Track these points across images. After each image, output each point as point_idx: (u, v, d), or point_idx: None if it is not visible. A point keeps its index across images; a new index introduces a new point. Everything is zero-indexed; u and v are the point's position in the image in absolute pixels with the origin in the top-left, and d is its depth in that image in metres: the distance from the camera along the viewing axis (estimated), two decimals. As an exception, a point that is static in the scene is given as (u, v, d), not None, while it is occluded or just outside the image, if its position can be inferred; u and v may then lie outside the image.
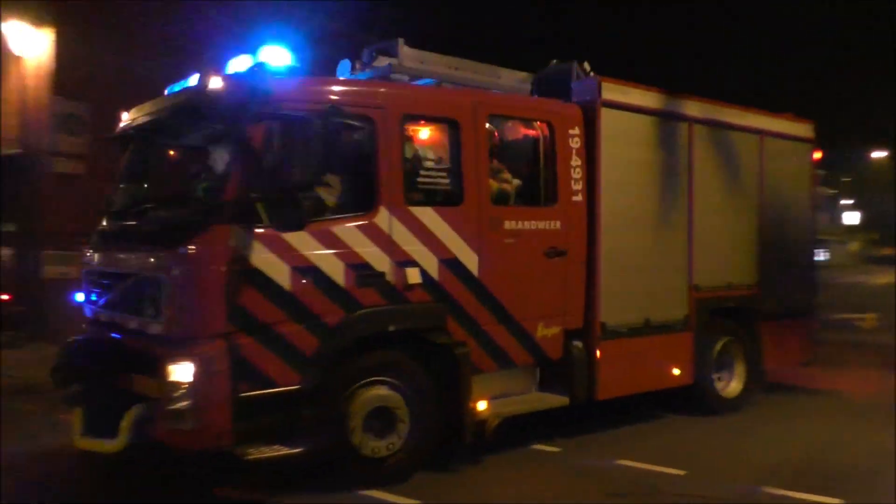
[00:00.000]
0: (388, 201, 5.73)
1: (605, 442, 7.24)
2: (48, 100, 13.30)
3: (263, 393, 5.16)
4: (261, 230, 5.18)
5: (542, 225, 6.72)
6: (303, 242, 5.33)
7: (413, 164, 5.95)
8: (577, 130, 6.97)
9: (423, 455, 5.93)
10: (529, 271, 6.62)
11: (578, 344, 6.96)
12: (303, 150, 5.20)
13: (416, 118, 6.10)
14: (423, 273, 5.89)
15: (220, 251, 5.04)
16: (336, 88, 5.76)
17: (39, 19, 13.17)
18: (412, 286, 5.82)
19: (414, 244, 5.85)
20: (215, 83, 5.25)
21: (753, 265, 8.73)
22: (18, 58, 13.12)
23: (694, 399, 8.20)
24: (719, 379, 8.43)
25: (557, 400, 6.87)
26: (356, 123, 5.67)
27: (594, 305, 7.06)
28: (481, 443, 6.34)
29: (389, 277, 5.72)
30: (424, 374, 5.95)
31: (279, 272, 5.23)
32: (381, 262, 5.68)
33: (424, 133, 6.17)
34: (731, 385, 8.55)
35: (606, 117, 7.16)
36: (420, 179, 5.98)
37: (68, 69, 13.30)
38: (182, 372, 4.95)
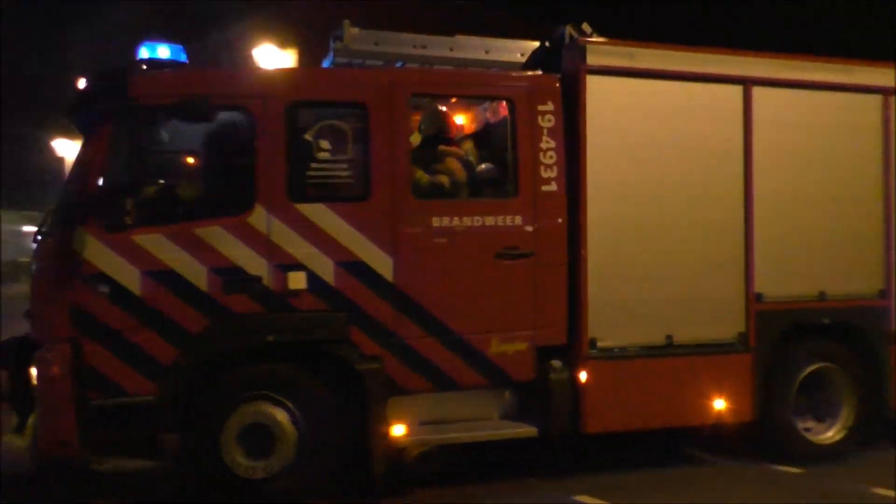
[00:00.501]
0: (266, 199, 5.19)
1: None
2: None
3: (116, 402, 4.99)
4: (111, 233, 5.00)
5: (491, 221, 5.65)
6: (158, 245, 5.04)
7: (304, 157, 5.33)
8: (550, 106, 5.74)
9: (319, 481, 5.31)
10: (473, 276, 5.61)
11: (557, 364, 5.74)
12: (153, 147, 4.95)
13: (310, 105, 5.43)
14: (313, 278, 5.26)
15: (60, 255, 4.98)
16: (205, 80, 5.34)
17: (284, 41, 14.71)
18: (296, 292, 5.23)
19: (300, 245, 5.23)
20: (80, 84, 5.21)
21: (876, 268, 6.54)
22: None
23: (766, 442, 6.38)
24: (815, 419, 6.48)
25: (520, 431, 5.73)
26: (229, 116, 5.23)
27: (579, 318, 5.78)
28: (400, 473, 5.53)
29: (268, 283, 5.19)
30: (326, 392, 5.32)
31: (129, 277, 4.99)
32: (256, 265, 5.17)
33: (323, 121, 5.49)
34: (832, 427, 6.49)
35: (598, 87, 5.83)
36: (312, 173, 5.31)
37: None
38: (35, 376, 4.98)
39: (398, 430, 5.42)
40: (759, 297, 6.21)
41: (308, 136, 5.34)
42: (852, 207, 6.50)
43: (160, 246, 5.04)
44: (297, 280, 5.22)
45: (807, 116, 6.41)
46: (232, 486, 5.15)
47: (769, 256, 6.23)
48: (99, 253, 4.97)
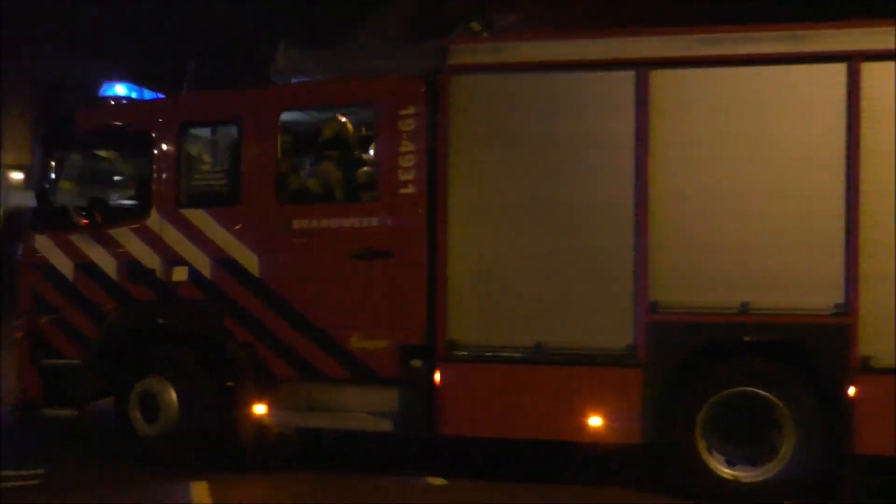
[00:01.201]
0: (159, 206, 6.26)
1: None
2: None
3: (55, 363, 6.46)
4: (55, 234, 6.48)
5: (348, 223, 5.96)
6: (85, 244, 6.39)
7: (189, 169, 6.26)
8: (411, 110, 5.86)
9: (196, 445, 6.16)
10: (331, 274, 5.98)
11: (416, 364, 5.83)
12: (86, 166, 6.36)
13: (196, 125, 6.34)
14: (193, 272, 6.16)
15: (25, 250, 6.58)
16: (123, 111, 6.59)
17: None
18: (178, 284, 6.18)
19: (184, 244, 6.18)
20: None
21: (833, 278, 5.28)
22: None
23: (676, 470, 5.61)
24: (740, 452, 5.48)
25: (376, 426, 5.93)
26: (136, 140, 6.41)
27: (437, 318, 5.78)
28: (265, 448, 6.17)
29: (160, 275, 6.23)
30: (204, 372, 6.16)
31: (65, 267, 6.43)
32: (151, 261, 6.25)
33: (207, 138, 6.35)
34: (761, 465, 5.42)
35: (464, 86, 5.75)
36: (194, 183, 6.26)
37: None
38: None
39: (259, 409, 6.05)
40: (653, 305, 5.49)
41: (193, 152, 6.30)
42: (797, 203, 5.35)
43: (87, 243, 6.40)
44: (181, 273, 6.19)
45: (731, 98, 5.47)
46: (133, 438, 6.31)
47: (670, 260, 5.46)
48: (47, 248, 6.50)
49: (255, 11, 25.14)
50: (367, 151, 6.22)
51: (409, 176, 5.86)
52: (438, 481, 5.97)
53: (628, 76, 5.56)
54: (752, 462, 5.49)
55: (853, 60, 5.30)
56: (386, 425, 5.91)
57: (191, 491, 5.76)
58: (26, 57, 26.03)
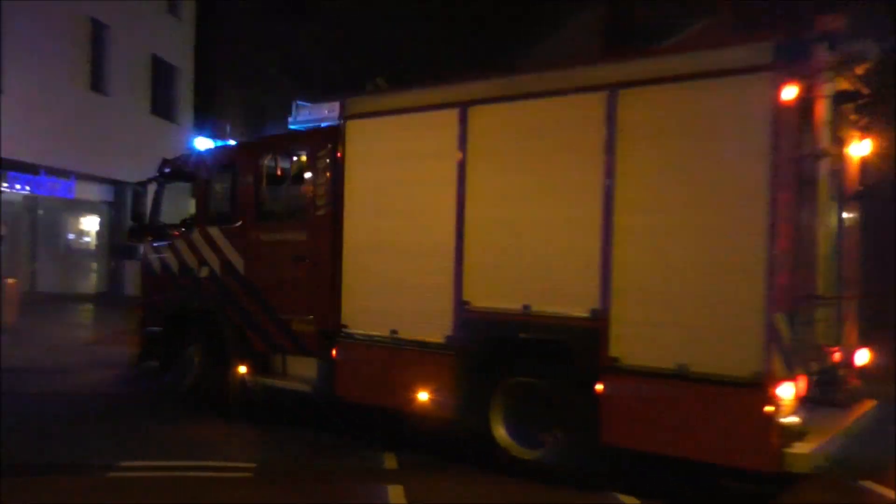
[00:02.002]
0: (197, 224, 9.08)
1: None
2: None
3: (151, 331, 9.60)
4: (153, 241, 9.67)
5: (290, 237, 8.16)
6: (163, 250, 9.46)
7: (209, 199, 9.07)
8: (325, 151, 7.86)
9: (213, 394, 8.71)
10: (280, 275, 8.24)
11: (325, 342, 7.84)
12: (163, 197, 9.60)
13: (222, 169, 9.08)
14: (211, 270, 8.85)
15: (142, 253, 9.92)
16: (185, 161, 9.68)
17: None
18: (203, 279, 8.92)
19: (207, 251, 8.89)
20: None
21: (589, 288, 6.14)
22: None
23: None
24: (523, 432, 6.63)
25: (302, 387, 8.07)
26: (188, 179, 9.57)
27: (337, 309, 7.74)
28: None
29: (195, 273, 9.02)
30: (216, 343, 8.72)
31: (154, 265, 9.62)
32: (192, 262, 9.07)
33: (222, 177, 8.97)
34: (539, 448, 6.52)
35: (358, 131, 7.64)
36: (212, 209, 9.02)
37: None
38: None
39: (242, 369, 8.48)
40: (465, 304, 6.83)
41: (214, 187, 9.01)
42: (565, 226, 6.33)
43: (164, 250, 9.47)
44: (204, 272, 8.92)
45: (525, 132, 6.59)
46: (179, 391, 9.18)
47: (478, 270, 6.80)
48: (147, 252, 9.73)
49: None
50: (302, 184, 8.32)
51: (322, 201, 7.90)
52: (631, 500, 6.22)
53: (454, 113, 6.93)
54: (533, 443, 6.59)
55: (612, 90, 6.08)
56: (307, 388, 8.03)
57: (388, 493, 6.31)
58: (242, 83, 31.20)
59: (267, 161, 8.80)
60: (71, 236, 23.35)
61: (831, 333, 6.41)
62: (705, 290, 5.66)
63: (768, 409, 5.40)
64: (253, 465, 7.01)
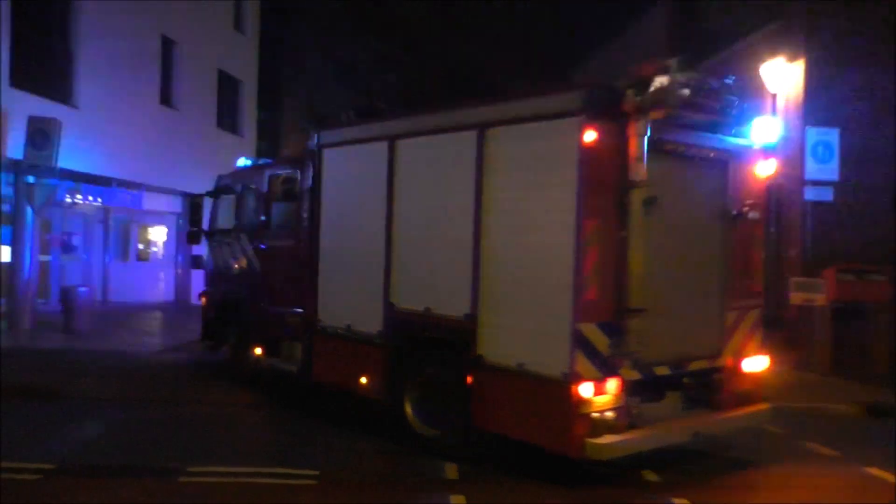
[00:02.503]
0: (235, 230, 11.38)
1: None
2: (800, 130, 14.20)
3: (210, 317, 12.09)
4: (208, 244, 12.11)
5: (286, 243, 10.16)
6: (215, 249, 11.83)
7: (242, 211, 11.32)
8: (309, 173, 9.50)
9: (238, 362, 11.17)
10: (282, 274, 10.22)
11: (307, 332, 9.47)
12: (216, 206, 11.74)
13: (245, 185, 11.22)
14: (241, 269, 10.98)
15: (206, 253, 12.05)
16: (228, 177, 11.91)
17: (792, 55, 15.00)
18: (236, 275, 11.09)
19: (241, 252, 11.09)
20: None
21: (465, 293, 7.41)
22: (773, 94, 14.58)
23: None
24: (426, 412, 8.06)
25: (290, 367, 9.95)
26: (231, 193, 11.58)
27: (314, 305, 9.39)
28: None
29: (233, 270, 11.41)
30: (238, 330, 11.18)
31: (210, 262, 12.13)
32: (235, 260, 11.10)
33: (246, 191, 11.27)
34: (440, 428, 7.85)
35: (328, 158, 9.27)
36: (242, 217, 11.30)
37: (819, 98, 14.68)
38: None
39: (257, 351, 10.58)
40: (391, 305, 8.31)
41: (243, 200, 11.19)
42: (452, 246, 7.58)
43: (216, 249, 11.52)
44: (237, 269, 11.00)
45: (430, 157, 7.96)
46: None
47: (399, 276, 8.24)
48: (208, 251, 12.14)
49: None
50: (295, 200, 9.99)
51: (306, 214, 9.57)
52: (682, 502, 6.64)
53: (384, 145, 8.42)
54: (433, 423, 7.86)
55: (480, 130, 7.26)
56: (294, 369, 9.80)
57: (450, 502, 6.52)
58: (304, 95, 31.86)
59: (270, 179, 10.54)
60: (140, 246, 24.10)
61: (703, 342, 7.44)
62: (535, 301, 6.77)
63: (572, 404, 6.42)
64: (317, 472, 7.16)
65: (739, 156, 7.65)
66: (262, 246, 10.58)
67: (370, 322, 8.46)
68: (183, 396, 10.50)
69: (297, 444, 8.34)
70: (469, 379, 7.33)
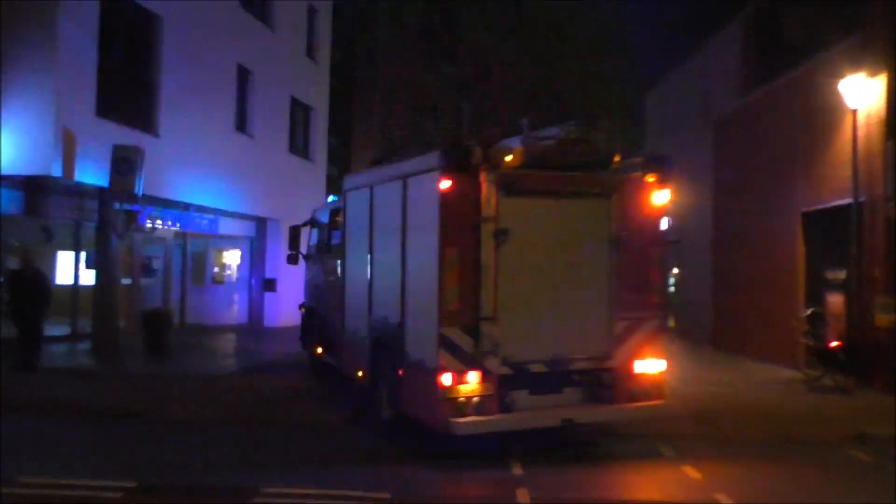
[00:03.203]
0: (316, 253, 14.30)
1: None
2: (882, 147, 13.87)
3: (305, 324, 15.20)
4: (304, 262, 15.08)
5: (332, 265, 12.61)
6: (308, 266, 13.80)
7: (319, 236, 14.20)
8: (341, 210, 11.98)
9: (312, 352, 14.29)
10: (330, 288, 12.79)
11: (338, 335, 12.46)
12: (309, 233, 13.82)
13: (317, 218, 14.39)
14: (317, 284, 14.17)
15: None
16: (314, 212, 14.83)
17: (873, 70, 14.42)
18: (315, 289, 14.21)
19: (316, 271, 14.02)
20: None
21: (397, 304, 9.79)
22: (853, 110, 14.17)
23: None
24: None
25: (334, 363, 12.99)
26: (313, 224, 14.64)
27: (343, 315, 11.97)
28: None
29: (314, 285, 14.46)
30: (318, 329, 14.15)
31: (306, 278, 14.49)
32: (312, 277, 13.87)
33: (319, 223, 14.31)
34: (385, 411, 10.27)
35: (350, 198, 11.55)
36: (319, 243, 14.17)
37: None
38: None
39: (318, 350, 13.70)
40: (371, 313, 10.43)
41: (319, 229, 13.39)
42: (390, 266, 9.70)
43: (309, 266, 13.72)
44: (315, 284, 14.19)
45: (384, 208, 10.29)
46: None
47: (374, 295, 10.36)
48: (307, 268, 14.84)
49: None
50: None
51: (341, 243, 11.95)
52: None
53: (367, 191, 10.72)
54: (393, 406, 9.67)
55: (405, 179, 9.43)
56: (335, 364, 12.65)
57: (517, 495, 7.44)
58: (375, 121, 32.14)
59: (331, 214, 13.16)
60: (215, 269, 24.75)
61: (588, 347, 8.99)
62: (424, 311, 8.77)
63: (437, 390, 8.32)
64: (387, 495, 7.16)
65: (624, 189, 9.09)
66: (321, 267, 13.56)
67: (363, 329, 10.60)
68: (259, 417, 10.66)
69: (368, 465, 8.45)
70: (400, 372, 9.31)
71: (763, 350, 17.76)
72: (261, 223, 24.15)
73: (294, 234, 14.58)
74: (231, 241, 24.21)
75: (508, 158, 8.59)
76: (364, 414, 10.60)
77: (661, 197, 9.24)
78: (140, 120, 17.14)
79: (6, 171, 14.46)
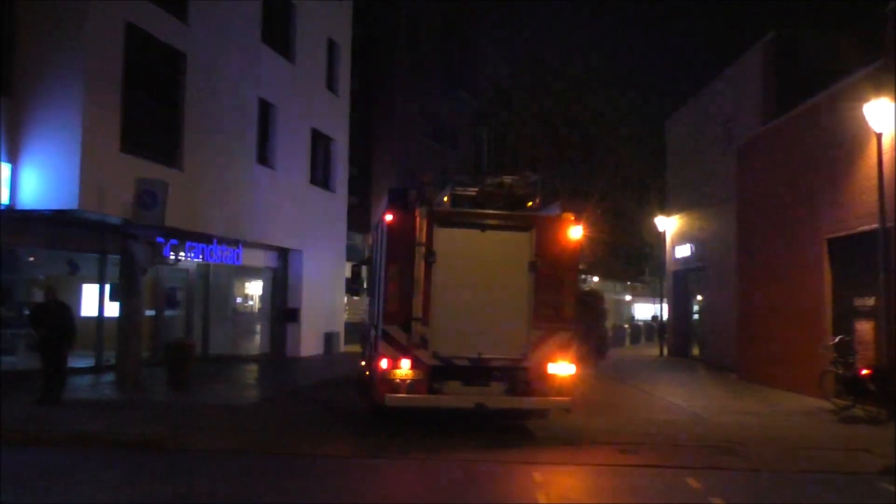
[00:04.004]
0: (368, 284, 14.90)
1: None
2: None
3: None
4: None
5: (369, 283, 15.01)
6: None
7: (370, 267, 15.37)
8: (370, 240, 14.88)
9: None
10: (371, 304, 13.87)
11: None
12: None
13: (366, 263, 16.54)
14: (368, 305, 15.16)
15: None
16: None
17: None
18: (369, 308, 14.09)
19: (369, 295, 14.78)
20: None
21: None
22: (878, 134, 13.92)
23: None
24: None
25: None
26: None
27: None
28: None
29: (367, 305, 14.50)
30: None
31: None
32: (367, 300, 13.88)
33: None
34: None
35: (371, 233, 14.65)
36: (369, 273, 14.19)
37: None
38: None
39: (363, 363, 14.99)
40: (370, 321, 12.72)
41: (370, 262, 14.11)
42: (375, 282, 12.44)
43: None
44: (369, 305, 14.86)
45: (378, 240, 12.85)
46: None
47: (371, 308, 12.99)
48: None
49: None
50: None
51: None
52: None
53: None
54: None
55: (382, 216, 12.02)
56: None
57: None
58: (394, 150, 32.20)
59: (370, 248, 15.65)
60: (237, 300, 24.87)
61: (506, 349, 11.17)
62: (377, 313, 11.56)
63: (378, 372, 11.04)
64: None
65: (543, 222, 11.44)
66: (369, 286, 15.19)
67: (369, 335, 13.05)
68: (280, 447, 10.63)
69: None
70: (369, 362, 12.50)
71: (789, 379, 17.50)
72: (282, 253, 24.28)
73: (356, 270, 18.10)
74: (253, 272, 24.36)
75: (445, 199, 11.93)
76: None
77: (574, 232, 11.32)
78: (164, 154, 17.38)
79: (32, 205, 14.71)
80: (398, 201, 11.27)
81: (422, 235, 10.90)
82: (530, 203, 11.92)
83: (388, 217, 11.07)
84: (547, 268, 11.15)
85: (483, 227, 11.28)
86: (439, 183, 12.71)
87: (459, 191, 12.05)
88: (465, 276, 11.18)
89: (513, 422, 12.27)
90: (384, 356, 10.91)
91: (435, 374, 10.96)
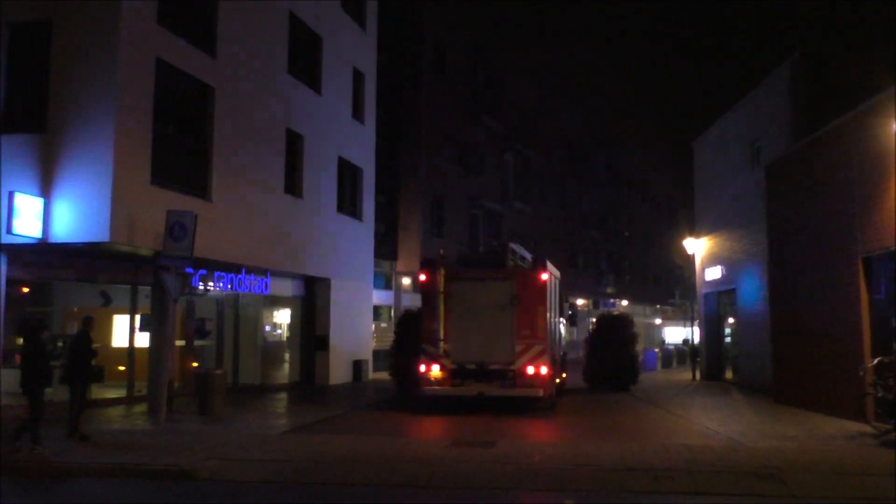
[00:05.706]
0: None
1: None
2: None
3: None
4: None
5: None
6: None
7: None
8: (421, 277, 18.48)
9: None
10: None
11: None
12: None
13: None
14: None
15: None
16: None
17: None
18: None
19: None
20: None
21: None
22: None
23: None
24: None
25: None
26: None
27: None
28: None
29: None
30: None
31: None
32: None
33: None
34: None
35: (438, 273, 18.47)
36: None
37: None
38: None
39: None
40: None
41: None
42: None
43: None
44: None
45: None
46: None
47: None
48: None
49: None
50: None
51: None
52: None
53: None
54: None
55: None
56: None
57: None
58: (421, 178, 32.17)
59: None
60: (266, 328, 25.00)
61: (500, 357, 17.39)
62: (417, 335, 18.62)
63: (419, 373, 17.68)
64: None
65: (520, 274, 18.01)
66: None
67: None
68: (310, 478, 10.57)
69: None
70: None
71: (827, 402, 17.10)
72: (310, 282, 24.41)
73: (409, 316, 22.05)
74: (281, 301, 24.49)
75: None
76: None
77: (542, 278, 17.69)
78: (193, 186, 17.62)
79: (65, 239, 14.94)
80: (427, 266, 18.03)
81: (441, 286, 17.44)
82: (510, 263, 18.67)
83: (422, 277, 17.96)
84: (523, 304, 17.41)
85: (481, 280, 17.77)
86: (453, 253, 21.01)
87: (463, 257, 22.15)
88: (471, 311, 17.46)
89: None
90: (423, 363, 17.40)
91: (454, 374, 17.31)
